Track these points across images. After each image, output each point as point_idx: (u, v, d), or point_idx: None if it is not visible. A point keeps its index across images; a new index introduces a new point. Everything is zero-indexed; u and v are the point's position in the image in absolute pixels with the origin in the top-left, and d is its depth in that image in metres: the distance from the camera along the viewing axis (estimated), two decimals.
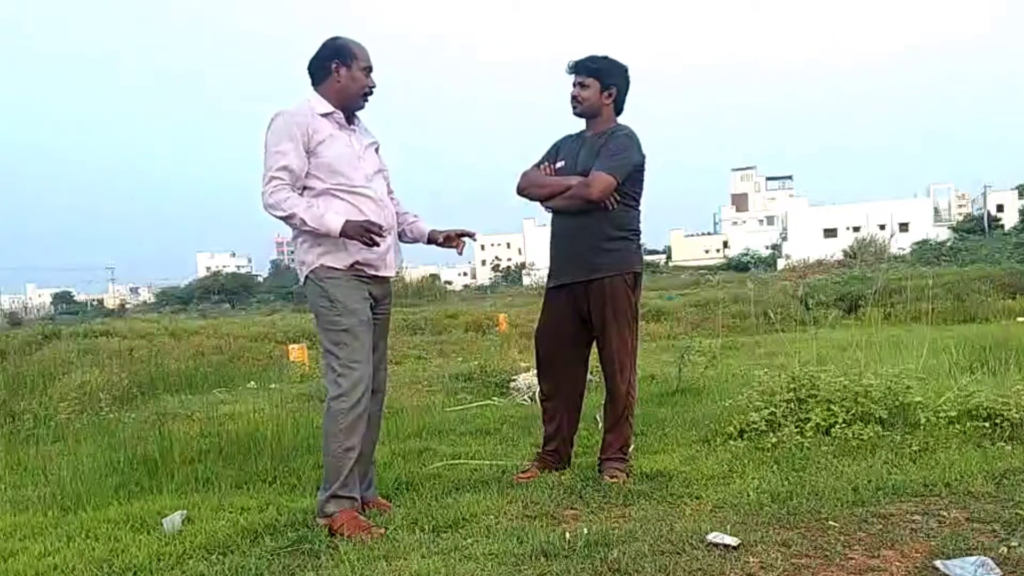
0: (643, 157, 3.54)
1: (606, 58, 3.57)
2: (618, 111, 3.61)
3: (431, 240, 3.32)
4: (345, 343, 3.00)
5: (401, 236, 3.35)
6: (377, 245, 2.99)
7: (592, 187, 3.37)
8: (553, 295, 3.63)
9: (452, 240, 3.31)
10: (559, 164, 3.58)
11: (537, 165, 3.64)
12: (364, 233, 2.93)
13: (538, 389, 3.90)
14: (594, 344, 3.63)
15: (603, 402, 3.70)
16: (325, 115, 3.06)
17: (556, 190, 3.51)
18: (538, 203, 3.62)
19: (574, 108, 3.57)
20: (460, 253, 3.42)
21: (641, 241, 3.69)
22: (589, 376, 3.90)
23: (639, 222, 3.60)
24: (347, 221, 2.95)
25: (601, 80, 3.51)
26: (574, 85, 3.54)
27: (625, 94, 3.60)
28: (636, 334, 3.59)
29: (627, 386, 3.54)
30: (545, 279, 3.81)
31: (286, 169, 2.97)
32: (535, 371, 3.94)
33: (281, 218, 2.99)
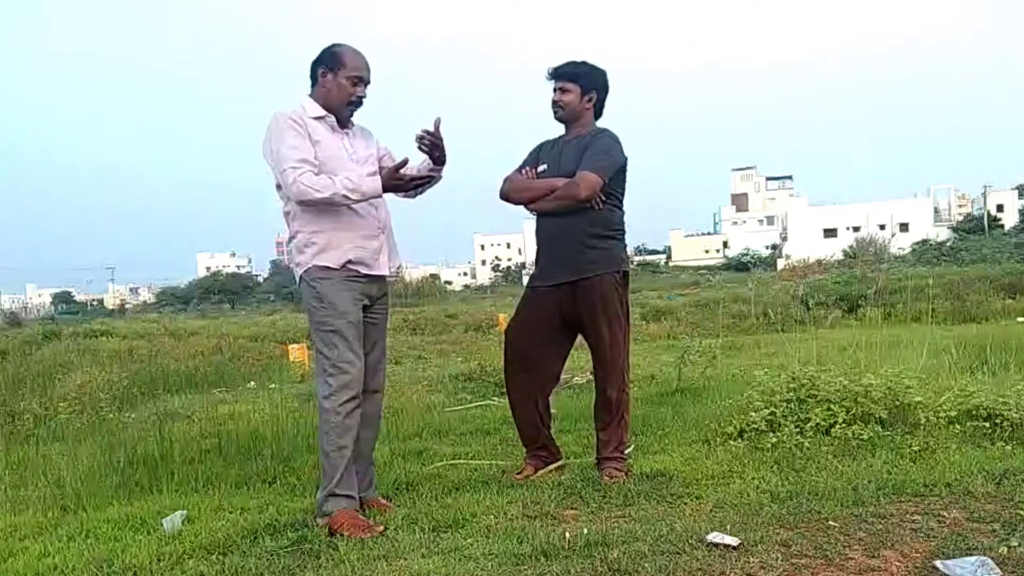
0: (626, 158, 3.57)
1: (585, 63, 3.60)
2: (597, 115, 3.64)
3: (433, 156, 3.23)
4: (335, 344, 3.02)
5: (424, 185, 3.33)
6: (423, 184, 3.17)
7: (580, 186, 3.39)
8: (535, 294, 3.63)
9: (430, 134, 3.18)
10: (541, 168, 3.60)
11: (518, 170, 3.66)
12: (401, 175, 3.10)
13: (506, 390, 3.82)
14: (579, 344, 3.62)
15: (594, 403, 3.69)
16: (317, 118, 3.09)
17: (541, 192, 3.53)
18: (523, 207, 3.63)
19: (555, 113, 3.60)
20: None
21: (626, 242, 3.70)
22: (589, 376, 3.89)
23: (624, 222, 3.62)
24: (383, 176, 3.08)
25: (581, 85, 3.55)
26: (555, 91, 3.58)
27: (604, 98, 3.63)
28: (627, 333, 3.60)
29: (620, 385, 3.54)
30: None
31: (305, 160, 3.00)
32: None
33: (319, 200, 3.00)
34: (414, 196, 3.33)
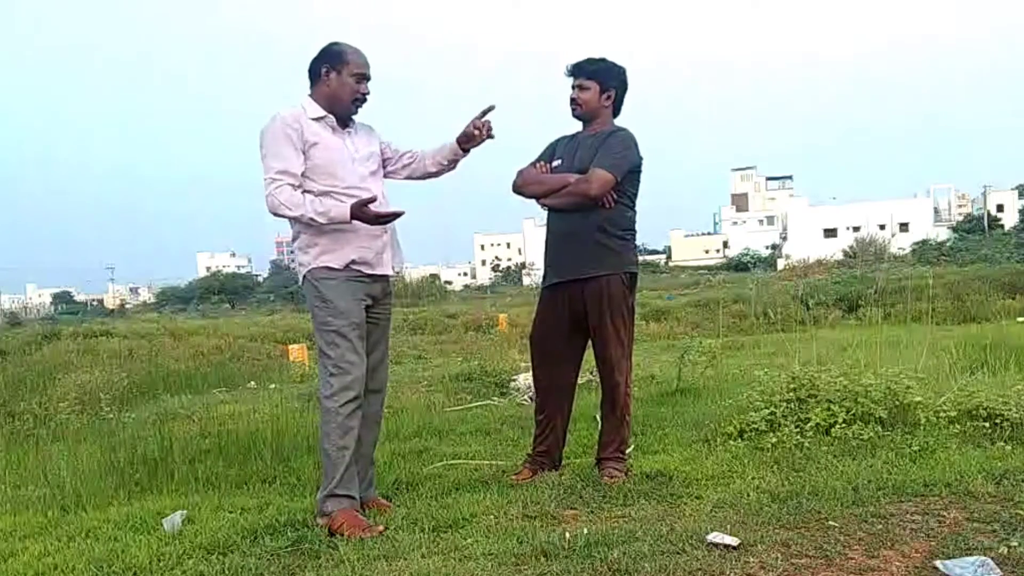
0: (641, 159, 3.55)
1: (604, 60, 3.58)
2: (616, 113, 3.62)
3: (463, 145, 3.28)
4: (337, 344, 3.02)
5: (436, 173, 3.37)
6: (387, 220, 3.07)
7: (592, 183, 3.38)
8: (548, 294, 3.63)
9: (479, 127, 3.25)
10: (555, 163, 3.58)
11: (533, 164, 3.65)
12: (366, 210, 3.00)
13: (534, 390, 3.90)
14: (589, 343, 3.62)
15: (600, 402, 3.70)
16: (317, 119, 3.09)
17: (553, 187, 3.52)
18: (534, 201, 3.63)
19: (573, 111, 3.58)
20: (491, 136, 3.29)
21: (636, 243, 3.69)
22: (590, 376, 3.90)
23: (635, 223, 3.61)
24: (352, 205, 3.00)
25: (600, 82, 3.53)
26: (573, 88, 3.56)
27: (623, 96, 3.62)
28: (632, 334, 3.60)
29: (623, 386, 3.54)
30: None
31: (286, 172, 3.01)
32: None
33: (289, 217, 3.03)
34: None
